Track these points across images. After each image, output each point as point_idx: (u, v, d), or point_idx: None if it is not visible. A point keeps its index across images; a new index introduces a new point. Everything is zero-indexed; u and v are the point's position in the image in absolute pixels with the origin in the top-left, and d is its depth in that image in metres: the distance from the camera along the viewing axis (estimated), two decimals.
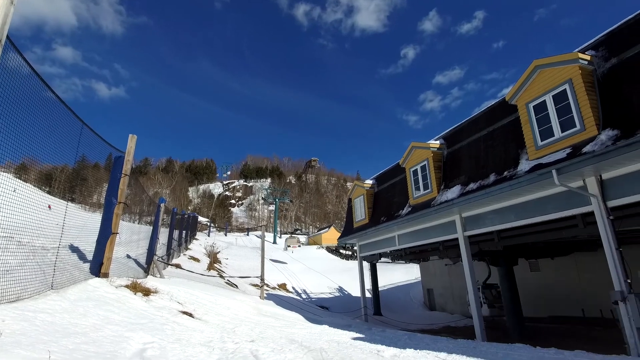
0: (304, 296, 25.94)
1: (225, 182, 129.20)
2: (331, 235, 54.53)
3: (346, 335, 10.92)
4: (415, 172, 14.16)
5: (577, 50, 8.62)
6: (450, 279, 21.63)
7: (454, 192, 11.83)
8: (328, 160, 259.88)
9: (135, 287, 7.30)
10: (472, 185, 11.05)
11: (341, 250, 46.18)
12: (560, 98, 8.52)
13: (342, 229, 28.20)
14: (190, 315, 7.53)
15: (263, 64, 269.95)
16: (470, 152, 11.84)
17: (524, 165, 9.16)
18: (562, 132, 8.37)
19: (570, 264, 15.39)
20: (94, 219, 7.38)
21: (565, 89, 8.35)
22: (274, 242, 54.34)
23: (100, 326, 4.34)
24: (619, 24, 8.05)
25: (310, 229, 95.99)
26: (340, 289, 29.06)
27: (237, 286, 17.87)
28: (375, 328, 14.04)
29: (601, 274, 8.46)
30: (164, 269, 13.17)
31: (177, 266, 15.99)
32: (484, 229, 11.47)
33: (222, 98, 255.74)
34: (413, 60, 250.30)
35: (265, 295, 16.99)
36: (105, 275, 7.18)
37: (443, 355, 7.58)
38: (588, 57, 8.18)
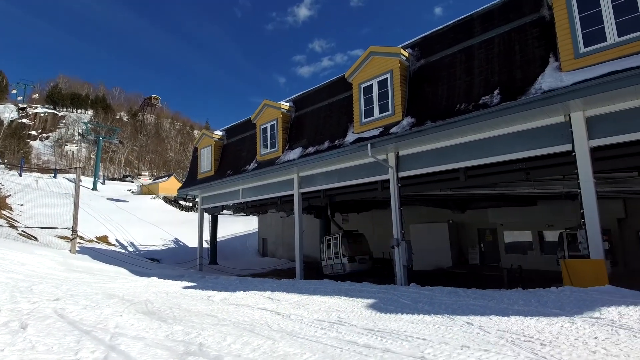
0: (130, 249, 23.65)
1: (21, 106, 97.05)
2: (170, 185, 50.47)
3: (177, 285, 10.86)
4: (265, 129, 14.59)
5: (401, 45, 10.49)
6: (282, 229, 24.15)
7: (295, 153, 12.94)
8: (173, 102, 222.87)
9: None
10: (310, 149, 12.36)
11: (181, 202, 43.67)
12: (383, 84, 10.37)
13: (184, 179, 26.57)
14: None
15: None
16: (313, 118, 13.06)
17: (350, 137, 10.91)
18: (380, 113, 10.33)
19: (368, 218, 19.82)
20: None
21: (387, 77, 10.20)
22: (94, 189, 46.00)
23: None
24: (431, 31, 10.15)
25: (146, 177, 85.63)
26: (176, 241, 27.92)
27: (36, 238, 14.63)
28: (209, 276, 14.45)
29: (387, 226, 11.33)
30: None
31: None
32: (315, 188, 13.23)
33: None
34: (302, 20, 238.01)
35: (78, 248, 14.63)
36: None
37: (268, 293, 8.69)
38: (407, 54, 10.15)
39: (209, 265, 19.71)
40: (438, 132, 8.70)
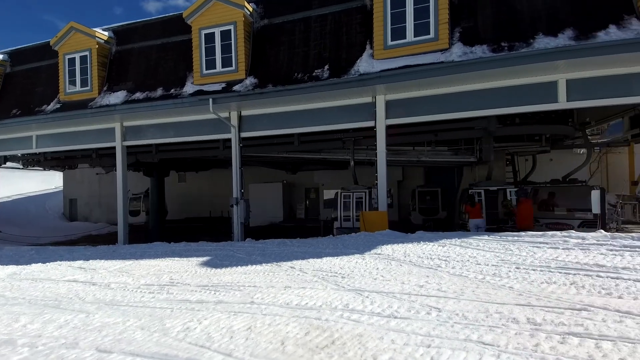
0: None
1: None
2: None
3: None
4: (72, 61, 11.63)
5: None
6: (99, 188, 20.59)
7: (118, 97, 10.97)
8: None
9: None
10: (139, 95, 10.70)
11: None
12: (226, 36, 9.82)
13: None
14: None
15: None
16: (142, 58, 11.21)
17: (189, 88, 10.04)
18: (223, 67, 9.86)
19: (208, 177, 19.40)
20: None
21: (231, 29, 9.72)
22: None
23: None
24: None
25: None
26: None
27: None
28: None
29: (227, 185, 11.37)
30: None
31: None
32: (145, 141, 11.67)
33: None
34: None
35: None
36: None
37: (79, 262, 7.46)
38: (251, 9, 9.83)
39: None
40: (278, 97, 9.09)
